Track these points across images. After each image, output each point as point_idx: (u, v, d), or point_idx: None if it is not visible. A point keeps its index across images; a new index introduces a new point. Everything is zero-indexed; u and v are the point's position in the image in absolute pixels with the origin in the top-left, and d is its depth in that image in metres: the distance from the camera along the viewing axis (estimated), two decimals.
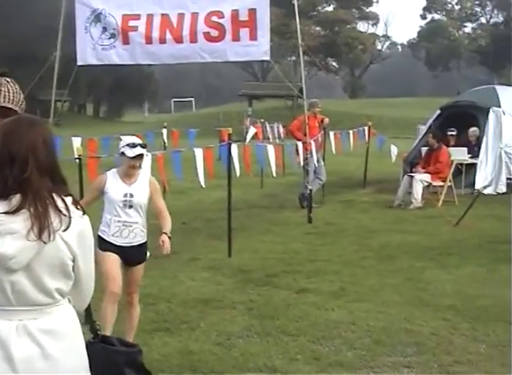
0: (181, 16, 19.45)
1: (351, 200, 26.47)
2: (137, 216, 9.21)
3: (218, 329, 12.02)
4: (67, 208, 4.71)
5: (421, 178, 25.27)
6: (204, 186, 23.01)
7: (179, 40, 19.65)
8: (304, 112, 23.96)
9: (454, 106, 30.38)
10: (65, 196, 4.80)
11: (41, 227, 4.57)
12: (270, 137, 41.35)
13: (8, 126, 4.85)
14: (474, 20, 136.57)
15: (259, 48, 20.04)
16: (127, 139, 9.38)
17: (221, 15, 19.46)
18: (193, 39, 19.56)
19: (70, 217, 4.70)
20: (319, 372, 10.17)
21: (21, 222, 4.58)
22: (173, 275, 15.61)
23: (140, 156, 9.22)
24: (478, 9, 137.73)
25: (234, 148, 20.49)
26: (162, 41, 19.68)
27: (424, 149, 27.43)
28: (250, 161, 27.02)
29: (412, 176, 25.49)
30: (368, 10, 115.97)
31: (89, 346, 5.25)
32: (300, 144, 24.64)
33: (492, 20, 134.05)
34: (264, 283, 15.06)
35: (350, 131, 36.03)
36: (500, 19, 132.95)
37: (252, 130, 39.74)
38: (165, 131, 35.91)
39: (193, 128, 41.91)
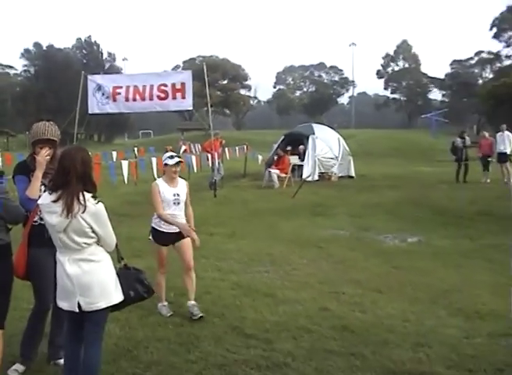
0: (144, 86, 20.18)
1: (238, 185, 26.37)
2: (181, 209, 8.35)
3: (167, 254, 12.38)
4: (85, 201, 5.06)
5: (275, 172, 25.87)
6: (156, 177, 23.64)
7: (143, 99, 20.35)
8: (211, 138, 24.66)
9: (291, 134, 30.58)
10: (88, 192, 5.14)
11: (68, 211, 5.03)
12: (193, 151, 41.67)
13: (64, 152, 5.30)
14: (301, 89, 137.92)
15: (187, 103, 20.64)
16: (167, 154, 8.58)
17: (166, 85, 20.19)
18: (151, 98, 20.27)
19: (86, 206, 5.06)
20: (220, 277, 10.39)
21: (59, 207, 5.07)
22: (141, 226, 15.20)
23: (178, 163, 8.30)
24: (302, 84, 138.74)
25: None
26: (134, 100, 20.40)
27: (275, 156, 27.79)
28: (183, 164, 27.66)
29: (270, 171, 26.09)
30: (245, 83, 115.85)
31: (118, 271, 5.56)
32: (209, 155, 25.53)
33: (309, 90, 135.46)
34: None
35: (237, 148, 37.01)
36: (313, 88, 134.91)
37: (183, 148, 40.51)
38: (136, 149, 36.62)
39: (152, 147, 42.36)
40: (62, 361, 5.94)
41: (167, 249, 8.54)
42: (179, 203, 8.30)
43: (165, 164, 8.41)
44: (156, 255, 8.60)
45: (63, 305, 5.32)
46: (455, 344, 7.15)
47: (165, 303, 8.56)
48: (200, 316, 8.06)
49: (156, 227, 8.43)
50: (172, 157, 8.38)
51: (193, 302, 8.34)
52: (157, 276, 8.51)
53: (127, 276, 5.70)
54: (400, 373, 6.27)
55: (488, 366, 6.46)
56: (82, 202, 5.09)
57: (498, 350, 6.98)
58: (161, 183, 8.32)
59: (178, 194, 8.29)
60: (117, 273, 5.53)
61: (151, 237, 8.57)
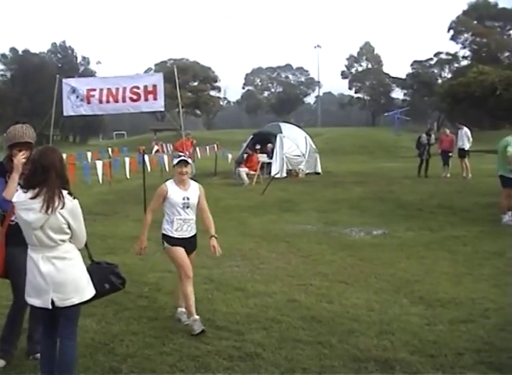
0: (117, 89, 20.07)
1: (209, 183, 26.11)
2: (192, 213, 7.64)
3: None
4: (63, 197, 5.10)
5: (244, 170, 25.88)
6: (129, 177, 23.59)
7: (116, 101, 20.26)
8: (182, 138, 24.62)
9: (260, 133, 30.57)
10: (64, 189, 5.17)
11: (48, 207, 5.01)
12: (165, 151, 41.59)
13: (41, 151, 5.29)
14: (269, 90, 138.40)
15: (159, 105, 20.59)
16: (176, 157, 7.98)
17: (138, 87, 20.12)
18: (124, 100, 20.16)
19: (64, 202, 5.08)
20: (193, 272, 10.66)
21: (38, 203, 5.03)
22: (116, 224, 15.66)
23: (183, 162, 7.53)
24: (270, 84, 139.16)
25: (146, 157, 21.11)
26: (108, 102, 20.29)
27: (245, 155, 27.83)
28: (155, 163, 27.64)
29: (239, 169, 26.05)
30: (215, 84, 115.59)
31: (89, 267, 5.55)
32: (181, 154, 25.51)
33: (276, 91, 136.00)
34: None
35: (207, 147, 36.97)
36: (281, 88, 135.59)
37: (155, 148, 40.40)
38: (110, 149, 36.38)
39: (125, 147, 42.20)
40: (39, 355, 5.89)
41: (183, 250, 7.64)
42: (188, 207, 7.60)
43: (174, 166, 7.84)
44: (176, 260, 7.65)
45: (34, 302, 5.28)
46: (417, 331, 7.23)
47: (197, 317, 7.37)
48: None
49: (166, 233, 7.66)
50: (178, 156, 7.91)
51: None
52: (182, 285, 7.58)
53: (100, 270, 5.73)
54: (366, 360, 6.33)
55: (449, 351, 6.54)
56: (61, 198, 5.11)
57: (458, 336, 7.06)
58: (170, 185, 7.65)
59: (188, 198, 7.59)
60: (88, 269, 5.51)
61: (165, 245, 7.70)
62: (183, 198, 7.56)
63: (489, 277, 9.87)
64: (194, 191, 7.73)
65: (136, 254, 8.09)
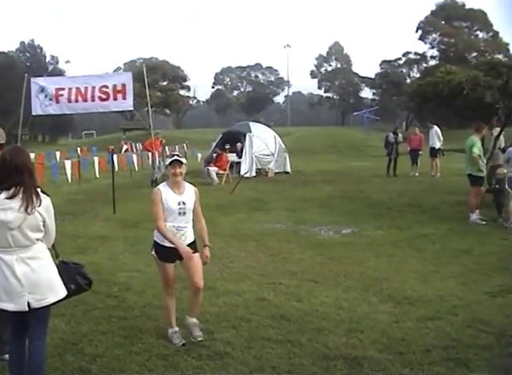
0: (86, 88, 19.98)
1: None
2: (188, 220, 6.99)
3: (110, 250, 12.16)
4: (39, 194, 5.16)
5: (214, 169, 25.87)
6: (98, 176, 23.48)
7: (85, 100, 20.15)
8: (151, 137, 24.59)
9: (229, 132, 30.74)
10: (37, 187, 5.21)
11: (27, 206, 5.03)
12: (134, 150, 41.46)
13: (11, 152, 5.26)
14: (238, 89, 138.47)
15: (128, 104, 20.52)
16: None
17: (107, 87, 20.03)
18: (93, 99, 20.08)
19: (41, 200, 5.14)
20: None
21: (16, 202, 5.03)
22: (85, 224, 15.50)
23: (177, 162, 6.92)
24: (240, 84, 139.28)
25: (115, 156, 21.04)
26: (76, 101, 20.20)
27: (214, 154, 27.80)
28: (124, 162, 27.55)
29: (209, 169, 26.05)
30: (184, 83, 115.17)
31: (58, 266, 5.49)
32: (150, 154, 25.52)
33: (246, 90, 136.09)
34: (133, 226, 15.01)
35: (177, 146, 36.99)
36: (250, 88, 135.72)
37: (125, 147, 40.28)
38: (79, 149, 36.29)
39: (94, 146, 42.01)
40: (8, 356, 5.82)
41: (174, 267, 7.07)
42: (185, 213, 6.94)
43: (166, 167, 7.25)
44: (161, 273, 7.11)
45: (7, 306, 5.17)
46: (386, 328, 7.29)
47: (176, 329, 7.07)
48: (200, 340, 6.94)
49: (158, 241, 6.99)
50: (171, 156, 7.13)
51: (194, 320, 7.12)
52: (163, 298, 7.25)
53: (67, 270, 5.69)
54: (335, 358, 6.36)
55: (417, 348, 6.60)
56: (38, 196, 5.16)
57: (426, 333, 7.13)
58: (164, 189, 6.99)
59: (184, 203, 6.93)
60: (58, 271, 5.48)
61: (153, 253, 7.07)
62: (179, 203, 6.90)
63: (457, 275, 9.99)
64: (190, 194, 7.10)
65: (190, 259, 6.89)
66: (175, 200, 6.89)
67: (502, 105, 23.65)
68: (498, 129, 20.58)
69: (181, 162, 7.00)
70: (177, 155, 7.08)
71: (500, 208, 14.95)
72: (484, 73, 24.13)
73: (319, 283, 9.57)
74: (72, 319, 7.71)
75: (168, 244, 6.84)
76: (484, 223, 14.71)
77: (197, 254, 7.04)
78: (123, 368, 6.22)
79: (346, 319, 7.67)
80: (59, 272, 5.47)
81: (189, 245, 6.95)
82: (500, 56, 62.72)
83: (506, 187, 14.24)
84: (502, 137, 20.94)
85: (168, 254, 6.90)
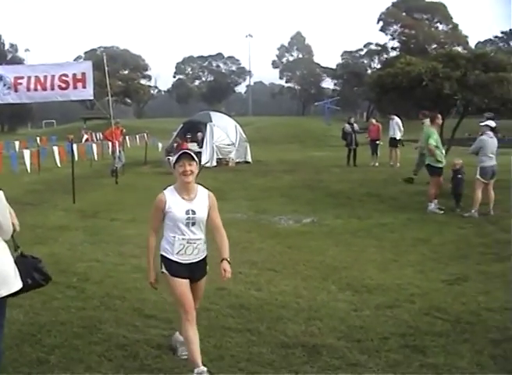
0: (46, 76, 19.58)
1: (139, 171, 26.14)
2: (200, 232, 5.86)
3: (69, 241, 12.00)
4: None
5: (174, 159, 25.89)
6: (59, 166, 23.23)
7: (45, 89, 19.84)
8: (112, 126, 24.40)
9: (190, 122, 30.54)
10: None
11: None
12: (95, 140, 41.13)
13: None
14: (200, 79, 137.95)
15: (88, 93, 20.20)
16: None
17: (67, 75, 19.74)
18: (52, 88, 19.70)
19: None
20: (121, 261, 10.40)
21: None
22: (45, 214, 15.35)
23: (186, 157, 5.76)
24: (201, 73, 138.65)
25: (75, 145, 20.82)
26: (36, 90, 19.80)
27: (175, 144, 27.62)
28: (84, 152, 27.31)
29: (169, 158, 25.94)
30: (145, 73, 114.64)
31: (16, 259, 5.32)
32: (110, 143, 25.32)
33: (207, 80, 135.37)
34: (92, 216, 14.97)
35: (137, 136, 36.74)
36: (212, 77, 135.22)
37: (85, 137, 39.89)
38: (38, 138, 35.94)
39: (54, 136, 41.66)
40: None
41: (187, 282, 5.88)
42: (194, 224, 5.79)
43: (174, 166, 5.91)
44: (174, 294, 5.89)
45: None
46: (344, 316, 7.36)
47: (204, 369, 5.69)
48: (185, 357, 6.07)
49: (166, 255, 5.86)
50: (180, 151, 5.94)
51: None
52: (184, 329, 5.89)
53: (24, 263, 5.53)
54: (294, 346, 6.40)
55: (375, 336, 6.68)
56: None
57: (384, 321, 7.22)
58: (170, 194, 5.87)
59: (193, 211, 5.75)
60: (14, 261, 5.35)
61: (163, 270, 5.86)
62: (187, 212, 5.75)
63: (415, 263, 10.12)
64: (202, 201, 5.90)
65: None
66: (182, 208, 5.76)
67: (460, 96, 24.01)
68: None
69: (192, 158, 5.78)
70: (187, 150, 5.89)
71: (458, 199, 15.15)
72: (443, 64, 24.44)
73: (279, 272, 9.61)
74: (31, 310, 7.65)
75: (177, 259, 5.79)
76: (442, 212, 14.90)
77: (203, 279, 6.12)
78: (82, 358, 6.18)
79: (305, 307, 7.72)
80: (17, 265, 5.35)
81: (202, 261, 5.99)
82: (459, 48, 63.32)
83: (478, 176, 14.43)
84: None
85: (181, 269, 5.82)
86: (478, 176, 14.45)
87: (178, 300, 5.85)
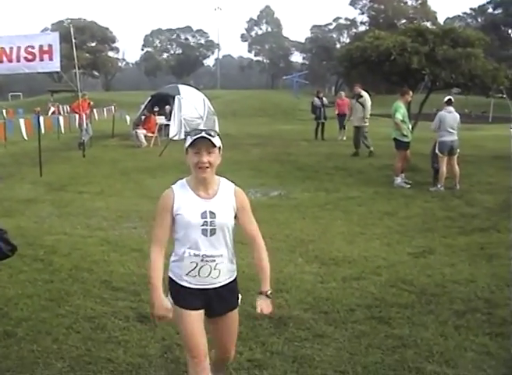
0: (11, 48, 19.28)
1: (106, 145, 25.98)
2: (222, 245, 4.21)
3: (37, 214, 11.95)
4: None
5: (142, 132, 25.69)
6: (26, 139, 22.99)
7: (10, 61, 19.52)
8: (79, 99, 24.16)
9: (158, 95, 30.40)
10: None
11: None
12: (62, 112, 40.79)
13: None
14: (168, 51, 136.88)
15: (55, 65, 19.95)
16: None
17: (33, 47, 19.46)
18: (18, 60, 19.42)
19: None
20: (89, 233, 10.41)
21: None
22: (12, 187, 15.19)
23: (203, 142, 3.98)
24: (169, 46, 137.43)
25: (41, 118, 20.62)
26: (1, 61, 19.52)
27: (143, 117, 27.56)
28: (51, 125, 27.03)
29: (137, 131, 25.77)
30: (113, 45, 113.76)
31: None
32: (77, 116, 25.14)
33: (176, 52, 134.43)
34: (60, 189, 14.88)
35: (105, 109, 36.42)
36: (180, 50, 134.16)
37: (52, 109, 39.58)
38: (4, 111, 35.48)
39: (21, 109, 41.15)
40: None
41: (200, 316, 4.22)
42: (214, 232, 4.14)
43: (186, 150, 4.15)
44: (180, 331, 4.48)
45: None
46: (311, 288, 7.43)
47: None
48: None
49: (174, 278, 4.28)
50: (195, 133, 4.06)
51: None
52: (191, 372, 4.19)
53: None
54: (261, 318, 6.41)
55: (342, 307, 6.75)
56: None
57: (351, 292, 7.29)
58: (180, 190, 4.19)
59: (212, 213, 4.11)
60: None
61: (169, 297, 4.22)
62: (203, 214, 4.09)
63: (381, 236, 10.22)
64: (226, 200, 4.25)
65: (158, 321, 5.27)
66: (197, 208, 4.10)
67: (428, 71, 24.10)
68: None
69: (213, 144, 4.07)
70: (206, 131, 4.09)
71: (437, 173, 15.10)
72: (411, 39, 24.51)
73: (245, 244, 9.55)
74: None
75: (188, 284, 4.18)
76: (408, 186, 15.02)
77: (235, 310, 4.46)
78: (50, 330, 6.16)
79: (272, 279, 7.68)
80: None
81: (226, 286, 4.34)
82: (428, 24, 63.53)
83: (437, 151, 14.51)
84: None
85: (191, 297, 4.18)
86: (436, 151, 14.58)
87: (184, 341, 4.31)
